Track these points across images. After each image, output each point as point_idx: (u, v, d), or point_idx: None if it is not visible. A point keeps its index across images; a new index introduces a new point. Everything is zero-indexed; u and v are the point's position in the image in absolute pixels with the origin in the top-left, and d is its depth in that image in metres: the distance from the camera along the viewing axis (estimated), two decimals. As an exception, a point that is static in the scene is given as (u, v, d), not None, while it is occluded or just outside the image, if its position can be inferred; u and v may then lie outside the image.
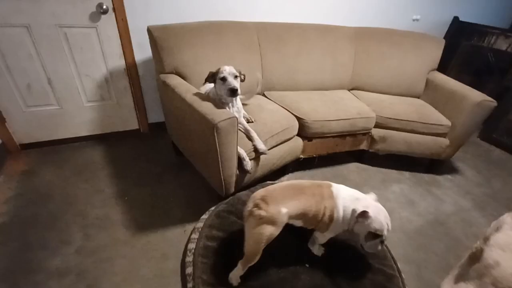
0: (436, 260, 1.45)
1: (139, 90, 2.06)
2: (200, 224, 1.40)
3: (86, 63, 1.83)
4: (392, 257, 1.35)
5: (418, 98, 2.33)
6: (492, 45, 2.89)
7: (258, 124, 1.57)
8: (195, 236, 1.34)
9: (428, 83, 2.29)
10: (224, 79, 1.33)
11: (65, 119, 1.96)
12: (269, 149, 1.55)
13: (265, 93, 2.07)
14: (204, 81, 1.41)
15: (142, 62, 1.98)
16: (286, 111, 1.79)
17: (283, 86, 2.13)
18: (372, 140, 2.01)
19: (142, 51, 1.94)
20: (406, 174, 2.13)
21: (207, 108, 1.26)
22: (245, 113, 1.60)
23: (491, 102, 1.76)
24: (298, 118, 1.74)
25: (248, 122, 1.60)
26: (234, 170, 1.40)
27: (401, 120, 1.93)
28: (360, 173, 2.08)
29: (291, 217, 1.05)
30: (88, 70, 1.86)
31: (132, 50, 1.90)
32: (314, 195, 1.10)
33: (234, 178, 1.43)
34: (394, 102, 2.11)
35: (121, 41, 1.84)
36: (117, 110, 2.08)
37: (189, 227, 1.47)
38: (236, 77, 1.36)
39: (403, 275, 1.27)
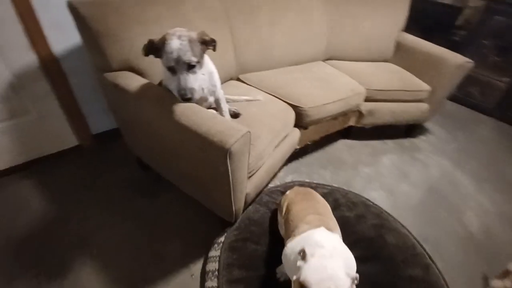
0: (445, 232, 1.49)
1: (68, 93, 1.46)
2: (213, 266, 1.10)
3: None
4: (420, 244, 1.31)
5: (387, 62, 2.27)
6: (438, -1, 2.96)
7: (255, 125, 1.25)
8: (212, 284, 1.05)
9: (398, 45, 2.22)
10: (171, 70, 0.86)
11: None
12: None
13: (240, 77, 1.71)
14: (144, 50, 0.88)
15: (65, 51, 1.37)
16: (278, 99, 1.49)
17: (258, 66, 1.79)
18: (360, 115, 1.90)
19: (62, 36, 1.32)
20: (389, 143, 2.13)
21: (208, 122, 0.88)
22: (229, 107, 1.25)
23: (470, 63, 1.78)
24: (294, 107, 1.48)
25: (235, 117, 1.26)
26: (245, 191, 1.10)
27: (387, 90, 1.84)
28: (349, 151, 2.00)
29: None
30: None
31: (44, 37, 1.27)
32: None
33: (244, 200, 1.14)
34: (374, 71, 2.00)
35: (24, 25, 1.19)
36: (41, 127, 1.46)
37: (196, 268, 1.17)
38: (191, 66, 0.85)
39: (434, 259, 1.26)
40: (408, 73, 2.03)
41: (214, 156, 0.87)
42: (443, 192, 1.74)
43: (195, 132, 0.87)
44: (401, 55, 2.21)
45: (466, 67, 1.78)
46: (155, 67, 1.21)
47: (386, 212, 1.43)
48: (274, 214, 1.33)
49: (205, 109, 0.95)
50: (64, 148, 1.60)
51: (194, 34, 0.87)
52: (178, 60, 0.83)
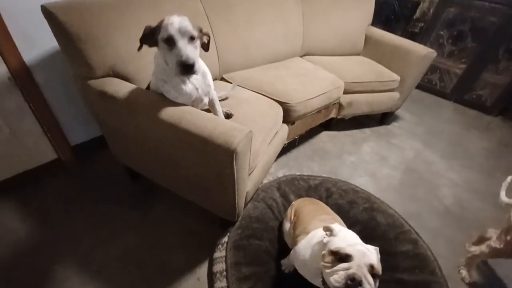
0: (425, 208, 1.63)
1: (43, 104, 1.36)
2: (220, 267, 1.11)
3: None
4: (406, 222, 1.43)
5: (359, 55, 2.41)
6: (397, -7, 3.17)
7: (249, 124, 1.27)
8: (222, 284, 1.06)
9: (367, 39, 2.36)
10: (170, 42, 0.82)
11: None
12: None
13: (224, 76, 1.71)
14: (139, 45, 0.87)
15: (38, 60, 1.27)
16: (265, 97, 1.52)
17: (240, 65, 1.80)
18: (340, 107, 2.00)
19: (34, 44, 1.23)
20: (367, 131, 2.26)
21: (210, 124, 0.88)
22: (222, 108, 1.25)
23: (432, 53, 1.94)
24: (282, 103, 1.52)
25: (227, 117, 1.27)
26: (246, 189, 1.12)
27: (363, 82, 1.95)
28: (332, 141, 2.09)
29: None
30: None
31: (14, 45, 1.17)
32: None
33: (244, 198, 1.16)
34: (348, 64, 2.10)
35: (-11, 34, 1.09)
36: (15, 143, 1.35)
37: (202, 271, 1.17)
38: (192, 38, 0.84)
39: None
40: (379, 65, 2.17)
41: (219, 159, 0.88)
42: (418, 171, 1.90)
43: (198, 136, 0.87)
44: (370, 48, 2.35)
45: (430, 57, 1.95)
46: (143, 71, 1.18)
47: (374, 196, 1.54)
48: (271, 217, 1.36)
49: (204, 112, 0.95)
50: (42, 162, 1.49)
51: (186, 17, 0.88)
52: (179, 29, 0.81)
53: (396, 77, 2.05)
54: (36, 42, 1.22)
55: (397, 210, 1.51)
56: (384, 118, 2.35)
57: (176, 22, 0.81)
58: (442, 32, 2.78)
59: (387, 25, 3.30)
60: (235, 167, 0.89)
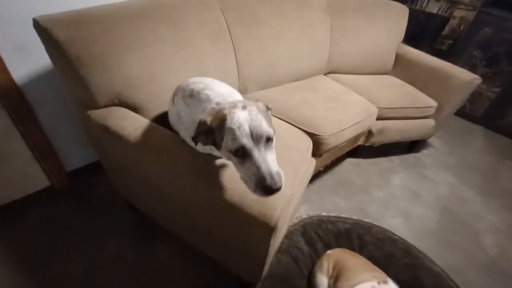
0: (468, 259, 1.42)
1: (34, 126, 1.16)
2: None
3: None
4: (455, 283, 1.21)
5: (387, 74, 2.20)
6: (424, 8, 2.97)
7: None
8: None
9: (398, 57, 2.15)
10: (242, 153, 0.58)
11: None
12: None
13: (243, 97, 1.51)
14: (194, 141, 0.64)
15: (29, 77, 1.07)
16: (292, 126, 1.32)
17: (261, 83, 1.61)
18: (369, 133, 1.79)
19: (26, 58, 1.03)
20: (395, 159, 2.05)
21: (241, 185, 0.67)
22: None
23: (477, 79, 1.74)
24: (311, 135, 1.31)
25: None
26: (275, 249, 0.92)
27: (398, 108, 1.74)
28: (358, 171, 1.88)
29: None
30: None
31: (2, 61, 0.97)
32: None
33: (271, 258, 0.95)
34: (379, 85, 1.90)
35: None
36: (1, 168, 1.15)
37: None
38: (268, 139, 0.60)
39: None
40: (413, 88, 1.96)
41: (253, 233, 0.67)
42: (455, 212, 1.68)
43: (224, 201, 0.66)
44: (401, 68, 2.14)
45: (475, 84, 1.74)
46: (155, 97, 0.98)
47: (415, 247, 1.32)
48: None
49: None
50: (33, 191, 1.29)
51: (255, 103, 0.65)
52: (253, 134, 0.57)
53: (433, 103, 1.84)
54: (29, 55, 1.02)
55: (437, 262, 1.29)
56: (413, 145, 2.14)
57: (245, 123, 0.57)
58: (475, 53, 2.57)
59: (412, 41, 3.08)
60: (271, 242, 0.68)
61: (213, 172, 0.70)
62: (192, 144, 0.71)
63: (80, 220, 1.30)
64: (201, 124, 0.61)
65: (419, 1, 2.96)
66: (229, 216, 0.69)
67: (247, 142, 0.56)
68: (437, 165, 2.07)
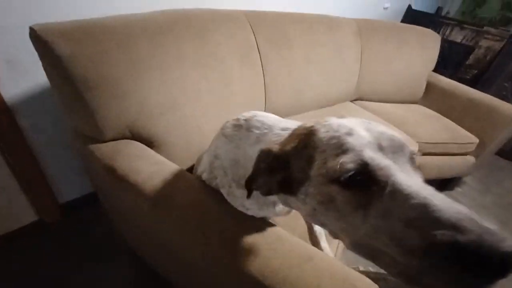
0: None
1: (27, 155, 0.96)
2: None
3: None
4: None
5: (416, 103, 2.04)
6: (448, 36, 2.87)
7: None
8: None
9: (429, 86, 2.00)
10: (367, 178, 0.30)
11: None
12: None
13: (268, 125, 1.32)
14: (249, 186, 0.40)
15: (22, 98, 0.89)
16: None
17: (288, 110, 1.43)
18: (405, 170, 1.59)
19: (19, 75, 0.85)
20: (428, 198, 1.84)
21: (308, 267, 0.46)
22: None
23: (527, 116, 1.56)
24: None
25: None
26: None
27: (438, 143, 1.56)
28: (389, 210, 1.67)
29: None
30: None
31: (-11, 77, 0.79)
32: None
33: None
34: (413, 117, 1.72)
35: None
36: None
37: None
38: (412, 156, 0.35)
39: None
40: (449, 121, 1.78)
41: None
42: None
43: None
44: (432, 97, 1.98)
45: (524, 120, 1.57)
46: (175, 129, 0.79)
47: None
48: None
49: (296, 238, 0.53)
50: (16, 227, 1.07)
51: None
52: (383, 145, 0.33)
53: (474, 139, 1.65)
54: (23, 71, 0.84)
55: None
56: (446, 182, 1.93)
57: (360, 127, 0.34)
58: (506, 84, 2.42)
59: (435, 69, 2.97)
60: None
61: (270, 250, 0.49)
62: (235, 197, 0.51)
63: (68, 265, 1.06)
64: (264, 154, 0.38)
65: (442, 29, 2.87)
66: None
67: (374, 155, 0.30)
68: (474, 206, 1.86)
